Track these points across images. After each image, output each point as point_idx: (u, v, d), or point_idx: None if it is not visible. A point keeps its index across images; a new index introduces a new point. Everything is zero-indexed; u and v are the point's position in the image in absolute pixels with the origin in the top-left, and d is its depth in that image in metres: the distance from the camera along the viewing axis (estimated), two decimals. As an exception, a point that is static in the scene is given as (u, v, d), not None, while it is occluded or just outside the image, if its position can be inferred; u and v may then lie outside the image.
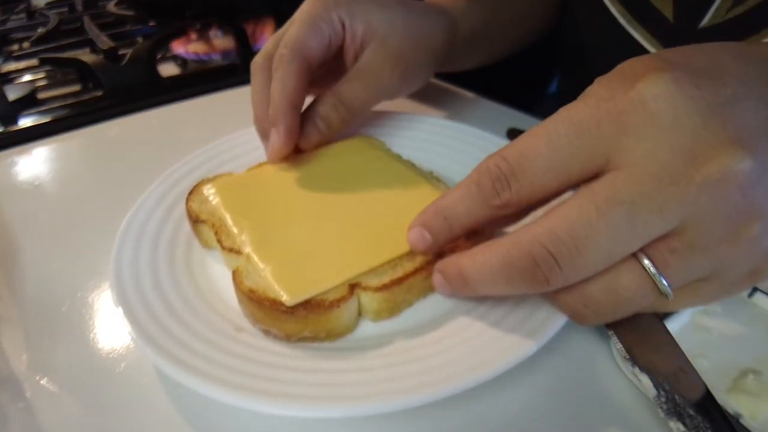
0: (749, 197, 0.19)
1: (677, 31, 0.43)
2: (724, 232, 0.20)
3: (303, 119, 0.37)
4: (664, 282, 0.21)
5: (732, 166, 0.19)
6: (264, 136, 0.38)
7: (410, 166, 0.37)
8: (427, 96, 0.54)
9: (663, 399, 0.23)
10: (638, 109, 0.20)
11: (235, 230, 0.31)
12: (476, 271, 0.24)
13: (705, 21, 0.41)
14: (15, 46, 0.74)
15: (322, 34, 0.37)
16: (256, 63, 0.38)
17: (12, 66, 0.66)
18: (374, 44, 0.39)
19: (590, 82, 0.23)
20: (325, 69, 0.42)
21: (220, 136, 0.42)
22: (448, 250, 0.29)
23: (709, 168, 0.19)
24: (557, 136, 0.21)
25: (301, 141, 0.37)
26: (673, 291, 0.21)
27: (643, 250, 0.21)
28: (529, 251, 0.21)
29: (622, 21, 0.46)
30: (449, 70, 0.50)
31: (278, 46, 0.37)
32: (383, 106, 0.42)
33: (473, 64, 0.52)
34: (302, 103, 0.37)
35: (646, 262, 0.21)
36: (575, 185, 0.22)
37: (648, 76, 0.20)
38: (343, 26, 0.39)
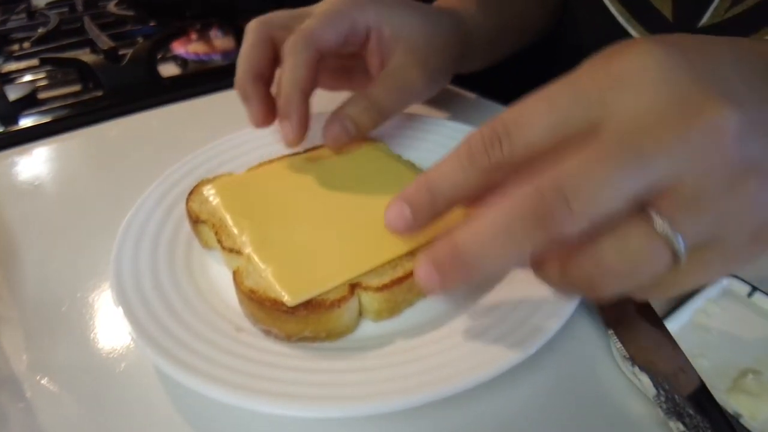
0: (742, 149, 0.20)
1: (676, 31, 0.43)
2: (723, 184, 0.20)
3: (332, 120, 0.37)
4: (674, 234, 0.20)
5: (719, 117, 0.20)
6: (245, 98, 0.37)
7: (410, 166, 0.37)
8: (428, 96, 0.54)
9: (663, 398, 0.23)
10: (634, 70, 0.21)
11: (235, 230, 0.31)
12: (473, 238, 0.21)
13: (704, 20, 0.41)
14: (15, 46, 0.75)
15: (339, 29, 0.37)
16: (250, 26, 0.38)
17: (12, 66, 0.66)
18: (402, 48, 0.39)
19: None
20: (341, 65, 0.42)
21: (220, 137, 0.42)
22: None
23: (700, 118, 0.20)
24: (556, 94, 0.22)
25: (328, 141, 0.37)
26: (686, 252, 0.21)
27: (648, 204, 0.21)
28: (538, 191, 0.20)
29: (621, 20, 0.46)
30: (458, 72, 0.50)
31: (283, 19, 0.38)
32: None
33: (478, 67, 0.52)
34: (311, 92, 0.36)
35: (653, 214, 0.20)
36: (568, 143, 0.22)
37: (641, 45, 0.21)
38: (368, 32, 0.39)
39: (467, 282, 0.22)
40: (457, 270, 0.22)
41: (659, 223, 0.20)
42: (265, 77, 0.38)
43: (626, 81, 0.21)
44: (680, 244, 0.20)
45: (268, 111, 0.37)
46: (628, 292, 0.23)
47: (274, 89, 0.38)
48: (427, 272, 0.22)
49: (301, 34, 0.35)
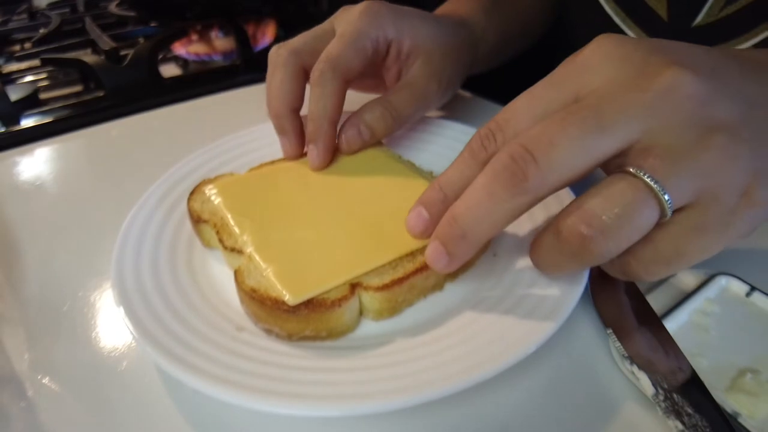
0: (703, 107, 0.22)
1: (671, 30, 0.43)
2: (691, 137, 0.22)
3: (347, 124, 0.37)
4: (655, 183, 0.21)
5: (677, 79, 0.22)
6: (282, 132, 0.38)
7: (410, 166, 0.37)
8: (428, 96, 0.54)
9: (661, 397, 0.23)
10: (595, 54, 0.24)
11: (236, 230, 0.31)
12: (465, 204, 0.24)
13: (698, 20, 0.41)
14: (17, 47, 0.75)
15: (365, 54, 0.38)
16: (280, 56, 0.38)
17: (14, 66, 0.66)
18: (422, 59, 0.40)
19: None
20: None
21: (221, 137, 0.43)
22: None
23: (659, 80, 0.22)
24: (535, 89, 0.25)
25: (342, 144, 0.38)
26: (673, 213, 0.22)
27: (626, 162, 0.22)
28: (508, 153, 0.23)
29: (616, 20, 0.47)
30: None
31: (309, 44, 0.38)
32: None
33: (480, 71, 0.52)
34: (339, 119, 0.37)
35: (633, 168, 0.22)
36: None
37: (602, 36, 0.25)
38: (388, 45, 0.39)
39: (470, 251, 0.25)
40: (459, 241, 0.25)
41: (640, 174, 0.22)
42: (299, 109, 0.38)
43: (589, 64, 0.24)
44: (663, 192, 0.21)
45: (303, 143, 0.38)
46: (628, 269, 0.24)
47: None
48: (435, 249, 0.25)
49: (329, 63, 0.36)
